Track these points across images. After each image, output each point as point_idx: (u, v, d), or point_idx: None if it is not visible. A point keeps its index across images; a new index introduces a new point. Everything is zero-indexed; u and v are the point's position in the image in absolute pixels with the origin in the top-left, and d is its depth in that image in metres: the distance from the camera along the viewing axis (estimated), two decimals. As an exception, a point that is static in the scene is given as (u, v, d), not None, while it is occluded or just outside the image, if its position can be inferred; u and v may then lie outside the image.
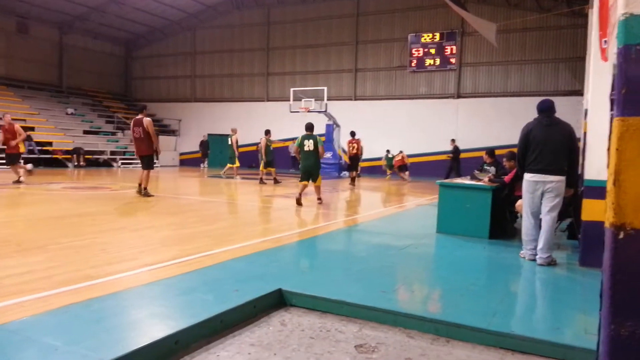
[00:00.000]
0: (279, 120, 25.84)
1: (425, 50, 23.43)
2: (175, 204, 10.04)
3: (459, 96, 23.08)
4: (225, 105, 29.00)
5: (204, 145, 26.93)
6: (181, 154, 29.50)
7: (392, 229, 7.57)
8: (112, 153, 25.45)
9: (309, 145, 9.98)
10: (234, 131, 18.05)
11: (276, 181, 15.76)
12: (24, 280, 3.93)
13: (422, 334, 3.45)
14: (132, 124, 10.68)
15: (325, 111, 22.10)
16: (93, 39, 30.22)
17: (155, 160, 11.28)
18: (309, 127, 10.14)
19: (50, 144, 22.95)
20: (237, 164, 18.08)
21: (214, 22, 29.08)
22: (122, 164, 24.89)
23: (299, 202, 9.87)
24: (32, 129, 22.94)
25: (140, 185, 10.66)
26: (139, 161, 11.08)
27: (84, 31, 29.04)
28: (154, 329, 3.06)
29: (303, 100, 22.30)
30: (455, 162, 19.28)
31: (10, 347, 2.66)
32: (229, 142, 17.96)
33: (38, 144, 22.06)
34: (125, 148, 26.98)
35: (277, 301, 3.94)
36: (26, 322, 3.03)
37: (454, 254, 5.85)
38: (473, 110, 22.58)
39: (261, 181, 15.60)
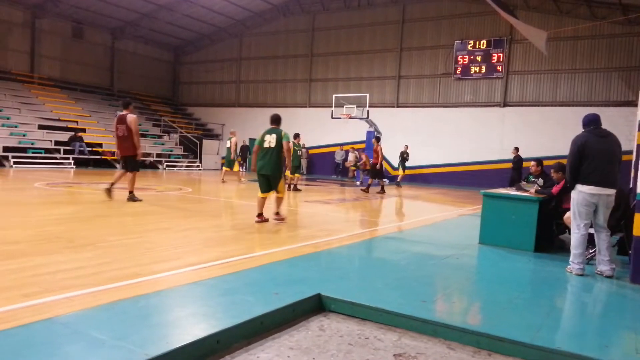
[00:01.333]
0: (320, 127, 26.00)
1: (472, 57, 23.04)
2: (217, 206, 10.24)
3: (505, 105, 22.56)
4: (267, 111, 29.16)
5: (243, 150, 27.35)
6: (223, 158, 30.07)
7: (433, 239, 7.46)
8: (158, 155, 26.20)
9: (270, 141, 7.68)
10: (233, 134, 17.65)
11: (296, 188, 14.92)
12: (74, 276, 4.09)
13: (463, 346, 3.38)
14: (115, 120, 9.70)
15: (367, 118, 22.06)
16: (144, 44, 31.29)
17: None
18: (275, 119, 8.02)
19: (100, 145, 23.85)
20: (237, 167, 17.91)
21: (260, 29, 29.57)
22: (167, 166, 25.58)
23: (261, 219, 7.78)
24: (84, 130, 23.93)
25: (131, 192, 9.71)
26: (122, 163, 9.95)
27: (135, 37, 30.10)
28: (197, 327, 3.12)
29: (345, 106, 22.34)
30: (516, 173, 17.66)
31: (60, 340, 2.77)
32: (227, 145, 17.47)
33: (88, 145, 22.97)
34: (171, 151, 27.76)
35: (316, 306, 3.95)
36: (75, 316, 3.16)
37: (497, 266, 5.72)
38: (520, 120, 22.02)
39: (295, 188, 14.87)
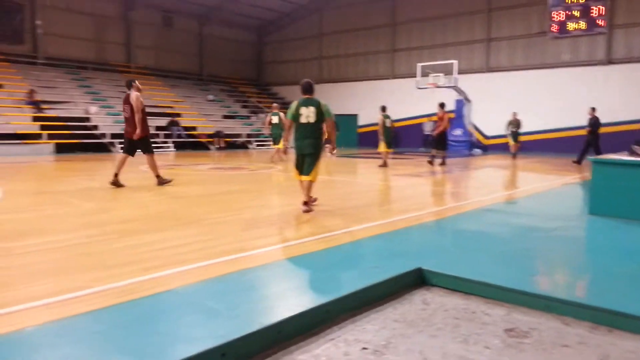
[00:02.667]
0: (405, 98, 25.42)
1: (569, 13, 21.22)
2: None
3: (609, 62, 20.66)
4: (350, 85, 29.25)
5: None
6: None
7: (537, 210, 7.07)
8: (248, 136, 27.10)
9: (308, 114, 6.34)
10: (277, 108, 16.09)
11: (385, 164, 13.84)
12: (185, 251, 4.36)
13: (579, 322, 3.18)
14: (122, 101, 8.96)
15: (455, 86, 21.23)
16: (228, 28, 32.22)
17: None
18: (308, 87, 6.49)
19: (194, 128, 25.11)
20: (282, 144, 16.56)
21: (340, 2, 29.29)
22: (257, 145, 26.40)
23: (307, 208, 6.42)
24: (179, 115, 25.28)
25: (157, 176, 9.05)
26: (126, 145, 9.11)
27: (220, 21, 31.05)
28: (304, 298, 3.21)
29: (431, 75, 21.65)
30: (593, 137, 15.40)
31: (181, 309, 2.97)
32: (274, 121, 15.61)
33: (185, 128, 24.25)
34: (259, 131, 28.58)
35: (418, 280, 3.91)
36: (192, 288, 3.37)
37: (611, 238, 5.31)
38: (627, 78, 20.09)
39: (384, 164, 13.82)
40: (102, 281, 3.44)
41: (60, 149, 18.63)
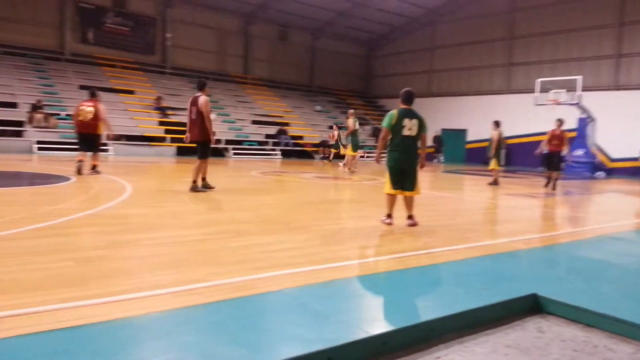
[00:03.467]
0: (521, 114, 24.15)
1: None
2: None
3: None
4: (461, 100, 28.43)
5: (438, 140, 26.92)
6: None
7: (670, 242, 6.33)
8: (352, 147, 27.35)
9: (411, 127, 6.03)
10: (353, 115, 15.76)
11: (496, 182, 13.01)
12: (294, 254, 4.50)
13: None
14: (189, 102, 8.73)
15: (578, 103, 19.76)
16: (340, 41, 32.93)
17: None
18: (410, 97, 6.19)
19: (301, 137, 25.91)
20: (351, 151, 15.66)
21: (454, 15, 28.69)
22: (361, 157, 26.53)
23: (391, 221, 6.21)
24: (288, 124, 26.24)
25: (194, 182, 8.64)
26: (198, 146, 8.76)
27: (332, 35, 31.85)
28: (410, 313, 3.16)
29: (551, 91, 20.36)
30: None
31: (289, 309, 3.07)
32: (356, 128, 15.48)
33: (292, 137, 25.12)
34: (364, 142, 28.73)
35: (532, 306, 3.68)
36: (300, 290, 3.46)
37: None
38: None
39: (495, 182, 12.99)
40: (218, 276, 3.66)
41: (181, 152, 20.16)
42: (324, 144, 25.24)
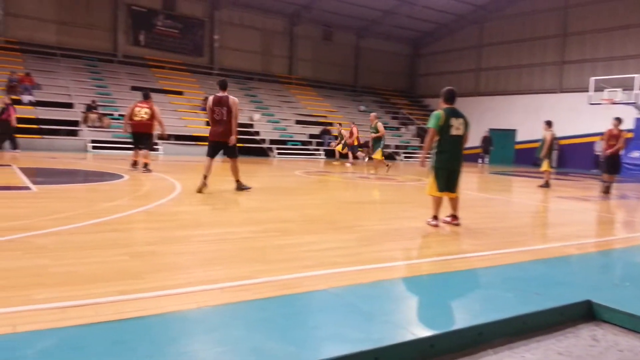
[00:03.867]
0: (573, 114, 23.31)
1: None
2: (463, 198, 10.06)
3: None
4: (510, 99, 27.68)
5: (485, 140, 26.27)
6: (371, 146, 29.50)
7: None
8: (396, 147, 27.15)
9: (458, 126, 5.98)
10: (376, 117, 15.72)
11: (547, 184, 12.62)
12: (339, 254, 4.52)
13: None
14: (211, 102, 8.48)
15: (636, 103, 18.88)
16: (384, 40, 32.72)
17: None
18: (453, 96, 6.16)
19: (345, 137, 25.89)
20: (379, 155, 15.25)
21: (503, 12, 27.98)
22: (405, 157, 26.30)
23: (437, 223, 6.12)
24: (331, 124, 26.29)
25: (237, 181, 8.71)
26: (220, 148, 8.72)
27: (377, 34, 31.68)
28: (457, 316, 3.13)
29: (606, 90, 19.54)
30: None
31: (335, 309, 3.09)
32: (378, 132, 15.19)
33: (335, 138, 25.10)
34: (408, 142, 28.45)
35: (585, 313, 3.55)
36: (346, 290, 3.47)
37: None
38: None
39: (546, 184, 12.62)
40: (265, 273, 3.73)
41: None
42: (368, 144, 25.08)
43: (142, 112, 11.15)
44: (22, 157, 13.63)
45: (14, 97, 18.59)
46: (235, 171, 8.69)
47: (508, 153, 27.17)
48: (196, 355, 2.34)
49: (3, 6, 22.27)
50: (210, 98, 8.52)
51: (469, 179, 15.56)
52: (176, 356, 2.31)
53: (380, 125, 15.25)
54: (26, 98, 19.29)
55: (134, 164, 11.37)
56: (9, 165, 11.11)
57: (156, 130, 11.67)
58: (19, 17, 22.71)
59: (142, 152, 11.28)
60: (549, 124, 12.61)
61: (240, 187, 8.63)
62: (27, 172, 10.01)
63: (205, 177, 8.32)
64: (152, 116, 11.20)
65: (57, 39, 23.59)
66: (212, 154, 8.65)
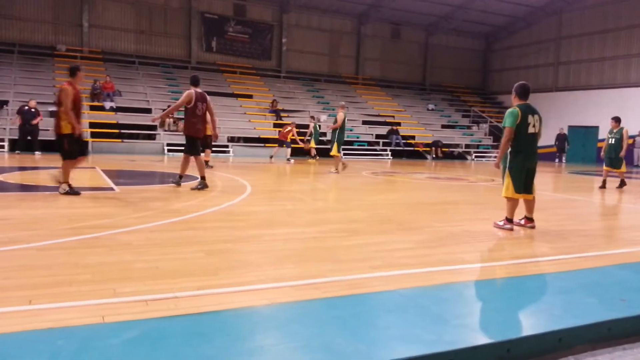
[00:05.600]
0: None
1: None
2: (540, 200, 9.63)
3: None
4: (592, 94, 26.06)
5: (560, 138, 24.86)
6: (538, 148, 28.11)
7: None
8: (467, 146, 26.38)
9: (534, 123, 5.76)
10: (344, 108, 13.76)
11: (622, 183, 11.80)
12: (408, 255, 4.48)
13: None
14: (194, 98, 8.42)
15: None
16: (455, 36, 31.86)
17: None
18: (527, 90, 5.89)
19: (413, 137, 25.51)
20: (336, 151, 13.61)
21: (584, 2, 26.41)
22: (476, 156, 25.50)
23: (512, 226, 5.87)
24: (399, 124, 25.98)
25: (181, 176, 8.76)
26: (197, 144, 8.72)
27: (447, 30, 30.90)
28: (535, 321, 3.01)
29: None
30: None
31: (405, 310, 3.05)
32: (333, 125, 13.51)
33: (403, 137, 24.82)
34: (480, 141, 27.54)
35: (678, 322, 3.29)
36: (413, 291, 3.43)
37: None
38: None
39: (622, 184, 11.79)
40: (335, 273, 3.76)
41: (294, 153, 20.89)
42: (437, 144, 24.57)
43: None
44: (104, 160, 14.57)
45: (97, 103, 19.99)
46: (183, 167, 8.76)
47: (589, 151, 25.60)
48: (270, 350, 2.41)
49: (87, 18, 23.93)
50: (193, 94, 8.47)
51: (546, 179, 14.83)
52: (251, 349, 2.39)
53: (339, 116, 13.26)
54: (108, 104, 20.59)
55: (206, 163, 11.76)
56: (93, 168, 11.92)
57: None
58: (101, 28, 24.32)
59: (207, 151, 12.63)
60: (618, 120, 11.80)
61: (200, 186, 8.47)
62: (110, 174, 10.69)
63: (203, 177, 8.51)
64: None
65: (136, 48, 25.02)
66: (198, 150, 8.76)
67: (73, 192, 7.24)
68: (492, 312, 3.14)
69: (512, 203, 5.85)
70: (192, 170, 9.07)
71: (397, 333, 2.65)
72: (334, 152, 13.53)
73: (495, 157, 11.56)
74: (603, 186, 11.48)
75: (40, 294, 3.04)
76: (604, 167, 11.89)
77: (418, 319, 2.88)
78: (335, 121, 13.37)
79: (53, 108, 14.01)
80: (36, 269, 3.59)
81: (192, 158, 8.66)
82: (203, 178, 8.53)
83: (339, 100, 27.13)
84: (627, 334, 3.09)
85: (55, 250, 4.12)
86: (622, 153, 11.52)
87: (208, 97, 8.68)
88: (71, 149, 7.24)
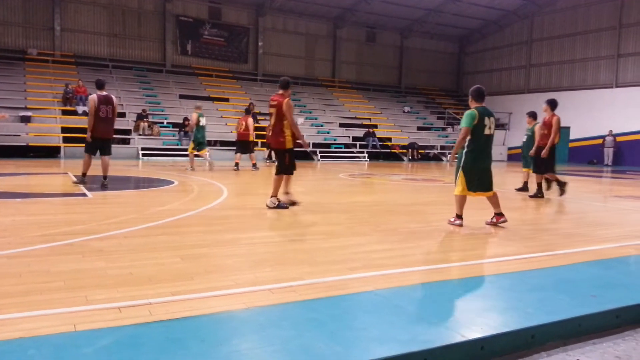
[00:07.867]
0: (630, 110, 22.24)
1: None
2: (508, 199, 9.81)
3: None
4: (563, 95, 26.61)
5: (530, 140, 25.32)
6: (509, 149, 28.63)
7: None
8: (442, 148, 26.70)
9: (490, 125, 5.97)
10: (199, 109, 14.37)
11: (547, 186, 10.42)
12: (385, 256, 4.51)
13: None
14: (97, 101, 8.83)
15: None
16: (430, 39, 32.29)
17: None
18: (483, 93, 6.11)
19: (389, 139, 25.71)
20: (191, 149, 14.49)
21: (555, 6, 27.07)
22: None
23: (504, 219, 6.11)
24: (375, 126, 26.16)
25: (84, 174, 9.24)
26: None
27: (421, 33, 31.29)
28: (509, 318, 3.06)
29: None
30: None
31: (384, 310, 3.07)
32: (202, 124, 14.17)
33: (380, 139, 25.00)
34: (454, 143, 27.88)
35: (646, 316, 3.39)
36: (390, 291, 3.46)
37: None
38: None
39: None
40: (312, 275, 3.76)
41: (272, 156, 20.83)
42: (413, 146, 24.81)
43: (241, 125, 14.73)
44: (77, 165, 14.28)
45: (69, 107, 19.62)
46: (83, 165, 9.35)
47: (560, 152, 26.16)
48: (247, 354, 2.40)
49: (59, 22, 23.48)
50: (96, 97, 8.86)
51: (519, 180, 15.10)
52: (227, 354, 2.37)
53: (193, 117, 14.23)
54: (80, 109, 20.22)
55: (236, 165, 14.62)
56: (66, 173, 11.68)
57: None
58: (73, 32, 23.89)
59: (247, 155, 14.93)
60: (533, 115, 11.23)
61: (80, 181, 9.10)
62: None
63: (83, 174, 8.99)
64: (247, 127, 14.54)
65: (109, 51, 24.66)
66: (97, 150, 9.32)
67: (282, 206, 7.03)
68: (467, 311, 3.19)
69: (461, 199, 6.13)
70: (164, 175, 8.93)
71: (373, 334, 2.66)
72: (189, 149, 14.75)
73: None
74: (523, 188, 10.48)
75: (10, 303, 2.97)
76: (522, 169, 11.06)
77: (394, 319, 2.90)
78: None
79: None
80: (6, 277, 3.50)
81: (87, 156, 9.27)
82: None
83: (316, 103, 27.29)
84: (597, 329, 3.17)
85: (26, 258, 4.02)
86: (532, 151, 9.98)
87: (114, 99, 9.15)
88: (291, 163, 7.10)
